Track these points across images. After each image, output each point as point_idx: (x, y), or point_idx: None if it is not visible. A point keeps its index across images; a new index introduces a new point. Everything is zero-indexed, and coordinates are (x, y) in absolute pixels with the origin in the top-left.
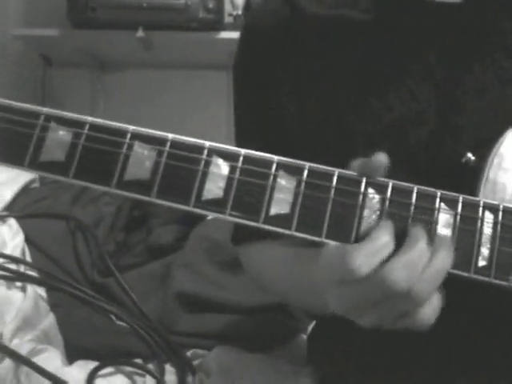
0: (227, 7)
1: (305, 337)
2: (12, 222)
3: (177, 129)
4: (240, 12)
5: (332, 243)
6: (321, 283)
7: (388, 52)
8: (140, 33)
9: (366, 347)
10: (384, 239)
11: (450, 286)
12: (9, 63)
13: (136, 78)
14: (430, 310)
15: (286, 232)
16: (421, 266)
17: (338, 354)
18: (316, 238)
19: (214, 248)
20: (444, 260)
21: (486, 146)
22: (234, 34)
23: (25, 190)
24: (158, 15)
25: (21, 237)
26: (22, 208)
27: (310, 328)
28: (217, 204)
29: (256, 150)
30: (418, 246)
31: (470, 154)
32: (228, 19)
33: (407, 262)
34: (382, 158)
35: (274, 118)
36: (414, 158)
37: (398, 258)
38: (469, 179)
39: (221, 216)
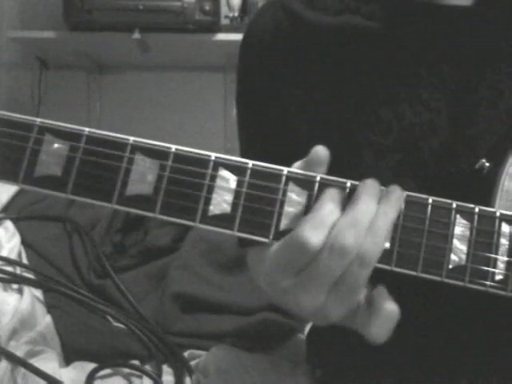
0: (223, 9)
1: (303, 336)
2: (8, 224)
3: (174, 130)
4: (236, 14)
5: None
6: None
7: (397, 60)
8: (136, 35)
9: (363, 346)
10: (327, 208)
11: (448, 286)
12: (5, 66)
13: (132, 80)
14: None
15: None
16: (366, 222)
17: (336, 352)
18: None
19: (210, 249)
20: (387, 213)
21: (501, 152)
22: (231, 36)
23: (21, 192)
24: (154, 17)
25: (17, 239)
26: (18, 210)
27: (308, 327)
28: (224, 219)
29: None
30: (361, 204)
31: (484, 160)
32: (224, 21)
33: (352, 221)
34: (321, 152)
35: (278, 132)
36: (426, 168)
37: (343, 219)
38: (482, 186)
39: (229, 232)
